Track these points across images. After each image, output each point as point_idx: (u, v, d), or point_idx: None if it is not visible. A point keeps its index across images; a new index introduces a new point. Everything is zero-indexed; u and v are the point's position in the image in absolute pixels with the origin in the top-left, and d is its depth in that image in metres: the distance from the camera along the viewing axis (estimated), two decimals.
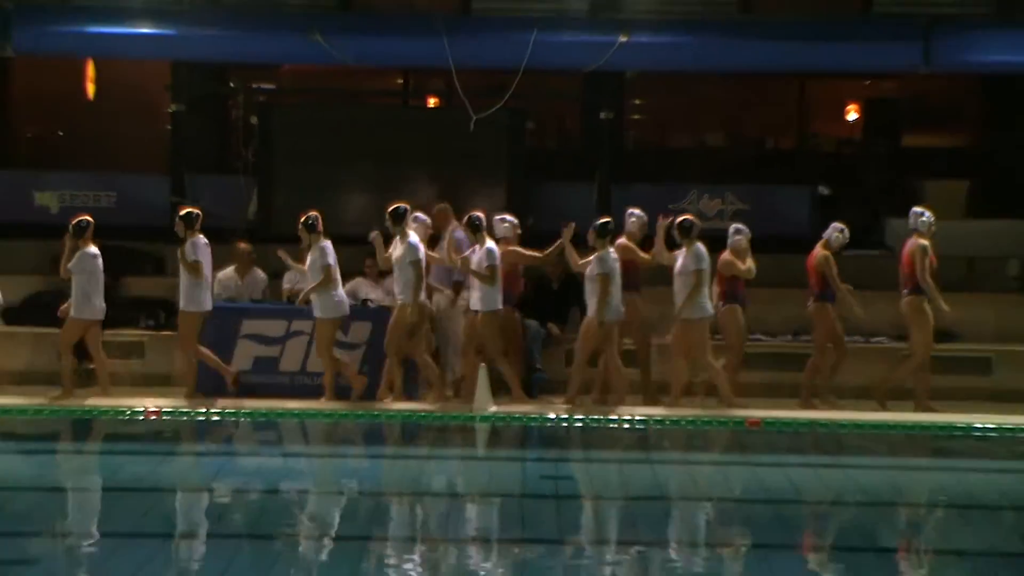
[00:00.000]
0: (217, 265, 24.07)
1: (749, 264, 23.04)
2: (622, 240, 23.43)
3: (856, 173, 29.20)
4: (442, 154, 26.66)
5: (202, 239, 22.90)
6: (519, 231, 23.85)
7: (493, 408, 22.17)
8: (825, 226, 24.09)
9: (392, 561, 15.51)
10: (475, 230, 22.80)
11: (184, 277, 22.77)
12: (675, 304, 22.57)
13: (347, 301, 23.25)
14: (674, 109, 31.69)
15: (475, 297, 22.87)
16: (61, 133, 31.22)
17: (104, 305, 23.31)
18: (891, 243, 25.99)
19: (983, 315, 23.47)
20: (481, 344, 23.04)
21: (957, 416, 22.38)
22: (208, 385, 23.05)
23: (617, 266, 22.46)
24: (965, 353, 23.80)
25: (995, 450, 21.89)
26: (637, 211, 23.95)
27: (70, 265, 22.95)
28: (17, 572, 14.27)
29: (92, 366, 23.68)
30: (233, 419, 22.74)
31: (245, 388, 23.03)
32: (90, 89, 30.45)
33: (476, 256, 22.82)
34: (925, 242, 22.92)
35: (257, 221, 26.02)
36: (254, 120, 28.36)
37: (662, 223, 23.10)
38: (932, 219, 23.33)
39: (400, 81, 30.71)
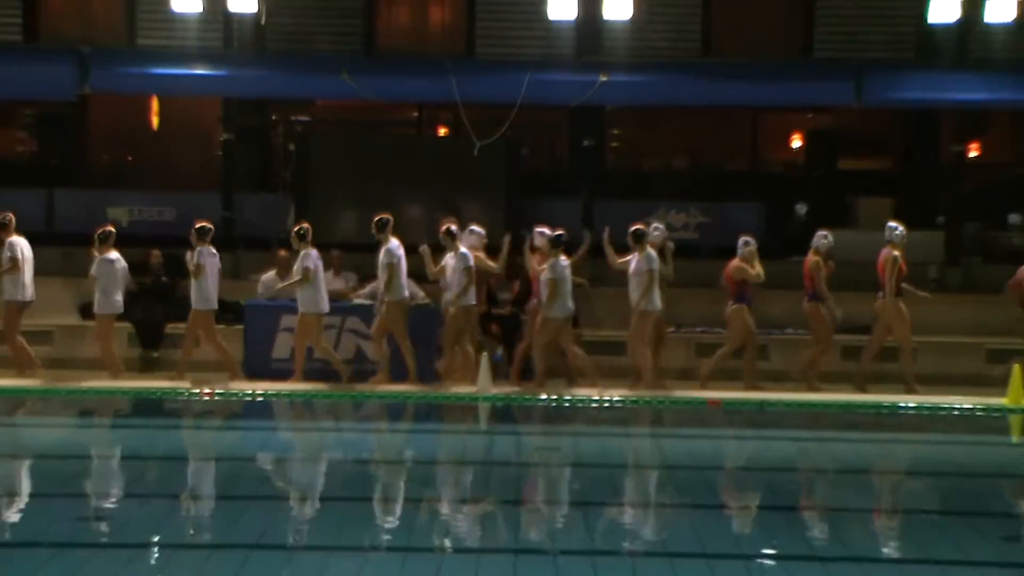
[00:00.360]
0: (259, 269, 24.66)
1: (758, 269, 23.05)
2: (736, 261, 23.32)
3: (799, 192, 29.15)
4: (450, 176, 26.79)
5: (211, 249, 22.91)
6: (485, 241, 23.71)
7: (493, 390, 22.15)
8: (774, 236, 24.66)
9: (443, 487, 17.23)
10: (452, 238, 22.73)
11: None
12: (631, 300, 22.48)
13: (327, 300, 23.15)
14: (646, 137, 31.48)
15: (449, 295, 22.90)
16: (130, 158, 31.03)
17: (121, 300, 23.23)
18: (845, 248, 25.57)
19: (909, 311, 23.65)
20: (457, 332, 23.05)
21: (884, 397, 22.63)
22: (252, 370, 23.26)
23: (567, 272, 22.46)
24: (892, 343, 23.61)
25: (916, 424, 22.06)
26: (661, 225, 24.17)
27: (92, 270, 23.00)
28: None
29: (156, 355, 23.87)
30: (273, 398, 22.69)
31: (284, 372, 23.07)
32: (154, 121, 30.58)
33: (452, 260, 22.75)
34: (897, 253, 23.06)
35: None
36: (292, 147, 28.73)
37: (606, 236, 23.15)
38: (904, 232, 23.43)
39: (415, 114, 30.47)
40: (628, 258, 22.52)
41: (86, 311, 24.55)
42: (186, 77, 27.48)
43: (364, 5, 29.15)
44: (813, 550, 14.02)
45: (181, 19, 26.76)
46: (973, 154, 30.28)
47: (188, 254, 22.88)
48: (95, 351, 23.84)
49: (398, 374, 23.14)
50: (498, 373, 23.05)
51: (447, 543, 14.37)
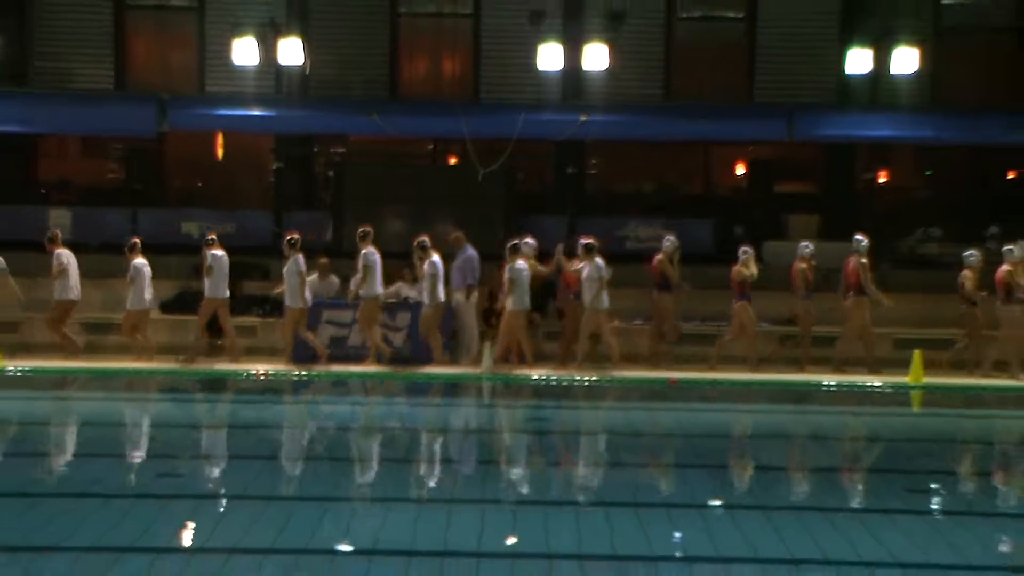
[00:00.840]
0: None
1: (753, 270, 22.89)
2: (660, 256, 23.39)
3: (743, 210, 28.88)
4: (459, 197, 26.43)
5: (301, 257, 22.74)
6: (537, 250, 23.50)
7: (495, 371, 22.18)
8: (726, 247, 24.94)
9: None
10: (423, 250, 22.63)
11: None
12: (584, 300, 22.38)
13: (311, 299, 23.09)
14: (618, 166, 31.06)
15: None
16: (199, 183, 31.07)
17: (149, 297, 23.14)
18: (767, 259, 25.83)
19: (831, 305, 23.61)
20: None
21: (812, 376, 22.63)
22: (301, 356, 23.01)
23: (524, 275, 22.32)
24: (822, 334, 23.64)
25: (837, 399, 21.92)
26: (672, 236, 23.85)
27: (129, 274, 22.89)
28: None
29: (220, 342, 23.58)
30: (317, 379, 22.58)
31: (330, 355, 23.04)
32: (219, 153, 30.70)
33: (427, 267, 22.60)
34: (864, 260, 23.09)
35: (332, 243, 25.96)
36: (331, 174, 29.01)
37: (558, 248, 23.27)
38: (867, 242, 23.37)
39: (430, 147, 30.25)
40: (581, 265, 22.50)
41: (164, 307, 24.64)
42: (245, 117, 27.61)
43: (389, 58, 29.33)
44: (728, 500, 14.06)
45: (241, 70, 27.07)
46: (882, 180, 30.56)
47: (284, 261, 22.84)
48: (166, 337, 23.88)
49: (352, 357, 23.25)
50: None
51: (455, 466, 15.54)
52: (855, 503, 14.50)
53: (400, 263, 24.02)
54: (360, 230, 23.06)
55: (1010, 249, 22.78)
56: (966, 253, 23.31)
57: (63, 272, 23.07)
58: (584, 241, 22.91)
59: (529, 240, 23.57)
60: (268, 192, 28.96)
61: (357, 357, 23.28)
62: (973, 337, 23.09)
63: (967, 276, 22.91)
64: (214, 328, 23.52)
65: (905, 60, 26.26)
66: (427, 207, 25.82)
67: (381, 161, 29.45)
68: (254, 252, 25.19)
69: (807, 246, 23.58)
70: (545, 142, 28.05)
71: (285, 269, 22.72)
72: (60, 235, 23.62)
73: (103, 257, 24.91)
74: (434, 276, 22.61)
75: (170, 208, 28.39)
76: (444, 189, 27.26)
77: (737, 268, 23.11)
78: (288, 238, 22.92)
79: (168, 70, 29.70)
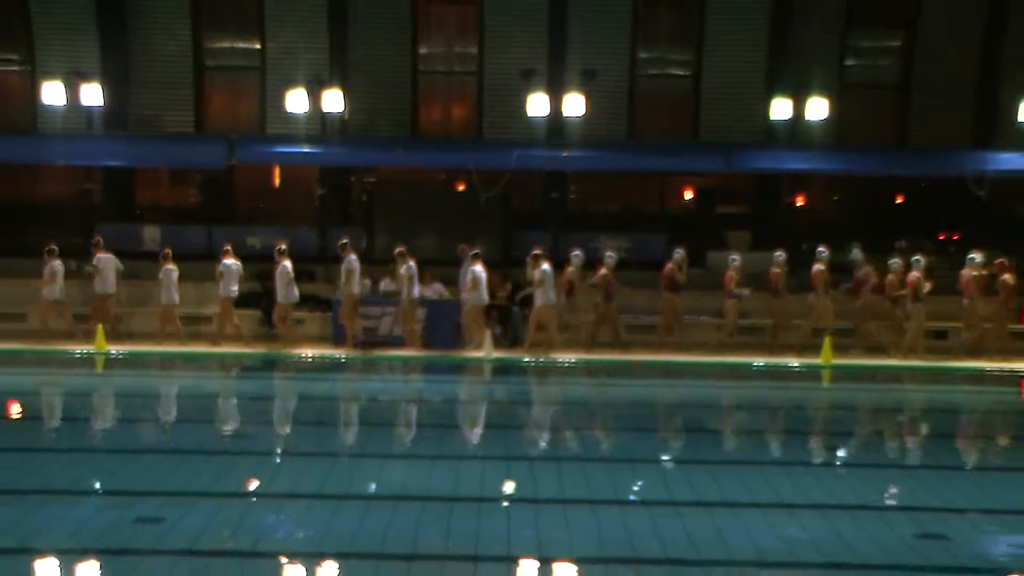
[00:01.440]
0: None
1: (682, 274, 23.26)
2: (671, 264, 23.48)
3: (692, 227, 28.48)
4: (465, 216, 26.50)
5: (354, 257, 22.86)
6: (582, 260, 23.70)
7: (495, 354, 22.21)
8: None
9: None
10: (403, 257, 22.51)
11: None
12: (535, 299, 22.43)
13: (296, 294, 22.99)
14: (592, 191, 30.90)
15: (465, 294, 22.89)
16: (260, 205, 30.86)
17: (177, 296, 23.15)
18: (710, 266, 26.09)
19: (761, 303, 24.03)
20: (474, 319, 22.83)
21: (737, 358, 22.60)
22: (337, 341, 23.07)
23: (483, 276, 22.28)
24: (756, 324, 24.13)
25: (761, 375, 21.73)
26: (681, 249, 23.77)
27: (159, 275, 23.08)
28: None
29: (276, 331, 23.58)
30: (347, 360, 22.47)
31: (360, 341, 22.95)
32: (275, 181, 30.67)
33: (403, 270, 22.55)
34: (823, 267, 23.25)
35: (365, 253, 25.46)
36: (364, 197, 28.83)
37: (529, 259, 23.01)
38: (828, 253, 23.49)
39: (443, 176, 30.03)
40: (536, 271, 22.42)
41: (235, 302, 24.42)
42: (296, 153, 27.55)
43: (411, 106, 29.28)
44: (644, 457, 14.10)
45: (293, 115, 26.96)
46: (800, 203, 30.57)
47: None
48: (247, 328, 23.86)
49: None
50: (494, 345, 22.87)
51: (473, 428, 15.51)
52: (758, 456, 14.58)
53: (423, 268, 23.72)
54: (340, 242, 23.31)
55: (918, 259, 23.02)
56: (891, 261, 23.52)
57: (100, 271, 23.18)
58: (534, 252, 22.91)
59: (577, 252, 23.81)
60: (314, 212, 28.94)
61: (384, 343, 23.22)
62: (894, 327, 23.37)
63: (892, 281, 23.23)
64: (271, 319, 23.64)
65: (817, 108, 26.49)
66: (440, 224, 25.93)
67: (404, 187, 29.27)
68: (303, 260, 24.93)
69: (781, 255, 23.70)
70: (534, 172, 28.02)
71: (277, 272, 22.82)
72: (101, 241, 23.69)
73: (187, 264, 24.67)
74: (410, 278, 22.50)
75: (237, 225, 28.26)
76: (454, 209, 27.29)
77: (730, 274, 23.36)
78: (277, 248, 23.00)
79: (236, 116, 29.67)
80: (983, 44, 28.58)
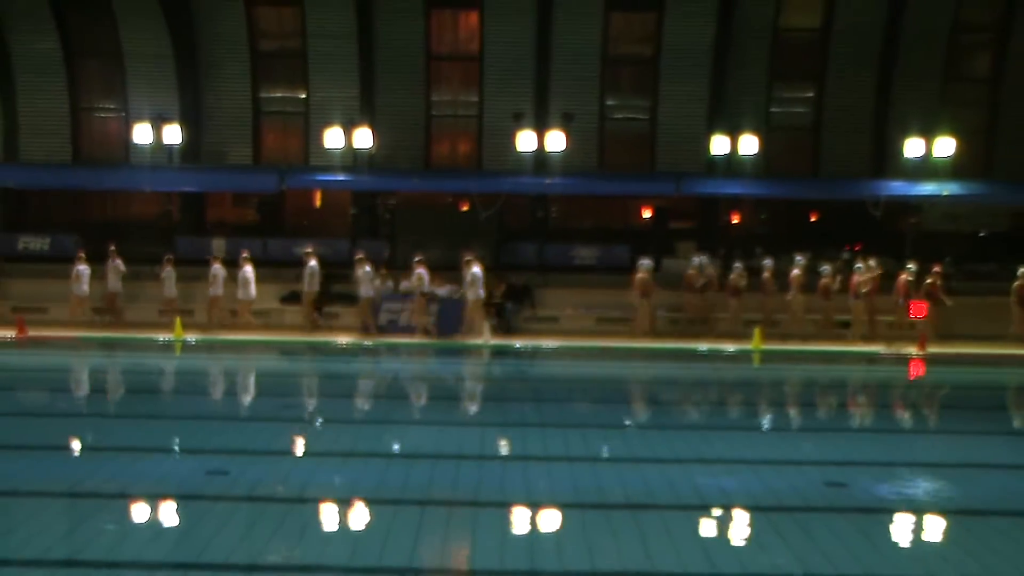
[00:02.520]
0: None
1: (650, 285, 23.20)
2: (691, 271, 23.68)
3: (649, 239, 27.96)
4: (468, 231, 26.14)
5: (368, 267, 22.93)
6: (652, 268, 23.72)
7: (492, 341, 22.21)
8: (633, 262, 24.54)
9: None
10: (361, 263, 22.71)
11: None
12: (468, 295, 22.36)
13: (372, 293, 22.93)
14: (569, 211, 30.62)
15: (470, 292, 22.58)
16: (305, 222, 30.60)
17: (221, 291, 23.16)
18: (664, 268, 25.72)
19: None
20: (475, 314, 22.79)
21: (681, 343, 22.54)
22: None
23: (480, 276, 22.22)
24: (692, 316, 23.97)
25: (701, 358, 21.47)
26: (703, 257, 24.03)
27: (210, 275, 23.15)
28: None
29: (321, 323, 23.59)
30: (375, 346, 22.42)
31: (387, 330, 23.10)
32: (317, 202, 30.69)
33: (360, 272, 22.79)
34: (799, 272, 23.17)
35: (389, 259, 25.74)
36: (388, 216, 28.75)
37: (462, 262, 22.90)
38: (804, 260, 23.42)
39: (450, 199, 29.72)
40: (467, 273, 22.39)
41: (284, 299, 24.59)
42: (333, 180, 27.78)
43: (424, 143, 29.41)
44: (604, 421, 14.12)
45: (331, 150, 26.99)
46: (734, 220, 30.52)
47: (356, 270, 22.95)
48: (288, 319, 23.94)
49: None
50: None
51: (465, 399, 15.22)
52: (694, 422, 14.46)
53: (434, 274, 23.65)
54: (357, 256, 23.40)
55: (859, 267, 23.03)
56: (821, 268, 23.46)
57: (168, 278, 23.40)
58: (465, 257, 22.78)
59: (646, 260, 23.66)
60: (347, 227, 28.82)
61: (404, 331, 23.15)
62: (857, 320, 23.13)
63: (826, 283, 23.15)
64: (319, 311, 23.67)
65: (748, 145, 26.61)
66: (448, 237, 25.63)
67: (419, 208, 29.12)
68: (338, 266, 24.98)
69: (739, 266, 23.67)
70: (523, 196, 27.96)
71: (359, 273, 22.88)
72: (172, 257, 23.87)
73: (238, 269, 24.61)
74: (421, 280, 22.65)
75: (287, 238, 28.14)
76: (459, 225, 27.08)
77: (641, 276, 23.21)
78: (357, 256, 23.13)
79: (285, 151, 29.66)
80: (876, 95, 28.79)
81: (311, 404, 16.05)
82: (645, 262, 23.52)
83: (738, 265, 23.79)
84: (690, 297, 23.76)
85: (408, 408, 15.57)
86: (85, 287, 23.34)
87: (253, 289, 23.27)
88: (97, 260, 23.91)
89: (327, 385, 18.41)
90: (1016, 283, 22.81)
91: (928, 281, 23.10)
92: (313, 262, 23.03)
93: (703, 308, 23.67)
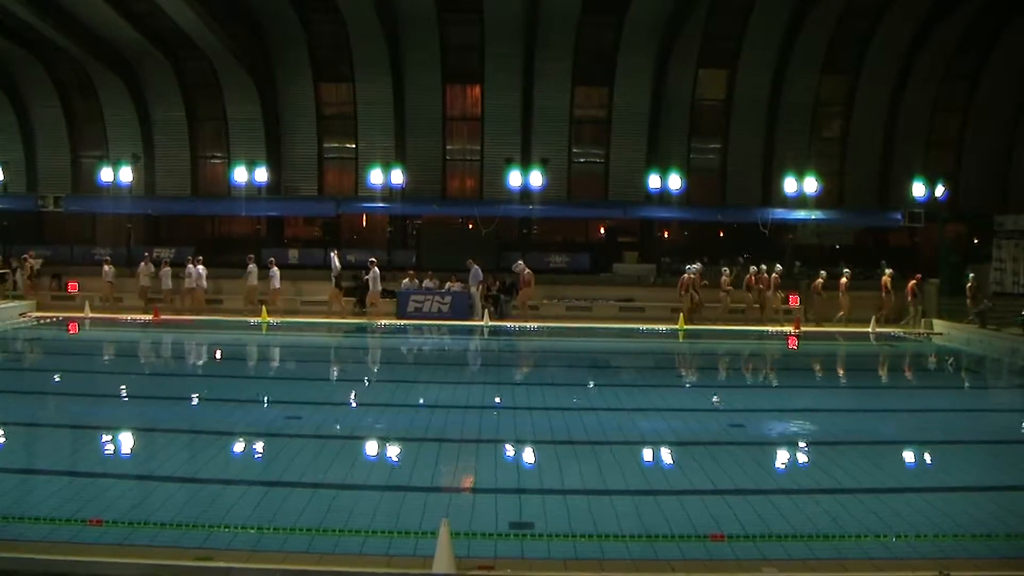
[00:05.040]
0: (402, 277, 23.33)
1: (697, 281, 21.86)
2: (689, 277, 21.80)
3: (604, 249, 27.60)
4: (472, 244, 25.01)
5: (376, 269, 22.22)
6: (700, 270, 22.09)
7: (490, 323, 21.47)
8: (595, 265, 24.30)
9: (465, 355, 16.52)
10: (371, 263, 22.14)
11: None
12: (372, 287, 21.69)
13: (380, 288, 22.05)
14: (546, 229, 29.26)
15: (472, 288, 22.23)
16: (355, 236, 29.39)
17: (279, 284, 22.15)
18: (618, 273, 25.50)
19: (648, 294, 24.14)
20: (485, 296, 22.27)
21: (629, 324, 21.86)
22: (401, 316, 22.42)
23: (480, 275, 21.93)
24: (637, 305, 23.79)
25: (642, 335, 20.55)
26: (697, 264, 22.43)
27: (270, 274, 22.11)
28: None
29: (365, 310, 22.73)
30: (403, 328, 21.87)
31: (414, 316, 22.24)
32: (364, 222, 30.10)
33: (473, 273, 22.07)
34: (775, 274, 21.99)
35: (416, 264, 24.96)
36: (414, 232, 28.31)
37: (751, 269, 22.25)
38: (764, 268, 22.12)
39: (460, 220, 28.27)
40: (371, 272, 21.96)
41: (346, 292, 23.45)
42: (375, 207, 27.27)
43: (441, 179, 28.89)
44: (571, 380, 14.06)
45: (373, 186, 26.41)
46: (665, 235, 30.01)
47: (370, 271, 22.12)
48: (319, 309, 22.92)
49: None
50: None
51: (470, 363, 14.88)
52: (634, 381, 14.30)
53: (446, 275, 23.26)
54: (370, 259, 22.75)
55: (778, 267, 22.38)
56: (752, 268, 22.40)
57: (249, 275, 22.45)
58: (369, 259, 22.55)
59: (694, 265, 22.31)
60: (385, 241, 28.39)
61: (426, 316, 22.47)
62: (764, 307, 22.17)
63: (723, 279, 22.33)
64: (363, 303, 23.22)
65: (675, 181, 25.90)
66: (459, 248, 24.55)
67: (438, 227, 28.40)
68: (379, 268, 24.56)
69: (694, 265, 22.37)
70: (513, 218, 27.36)
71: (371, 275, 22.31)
72: (252, 259, 22.78)
73: (312, 270, 24.65)
74: (375, 279, 22.13)
75: (342, 249, 26.61)
76: (466, 240, 26.32)
77: (684, 278, 22.02)
78: (370, 259, 22.71)
79: (341, 186, 29.16)
80: (764, 147, 28.65)
81: (357, 368, 15.91)
82: (690, 267, 22.32)
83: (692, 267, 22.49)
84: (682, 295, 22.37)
85: (429, 371, 15.41)
86: (197, 283, 22.66)
87: (278, 282, 22.46)
88: (209, 266, 23.67)
89: (369, 354, 18.24)
90: (883, 278, 22.26)
91: (807, 281, 22.91)
92: (376, 269, 22.48)
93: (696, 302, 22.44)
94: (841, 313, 22.06)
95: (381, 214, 28.44)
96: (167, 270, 23.14)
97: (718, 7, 27.02)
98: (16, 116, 29.43)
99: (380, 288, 22.68)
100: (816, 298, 22.63)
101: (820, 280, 22.71)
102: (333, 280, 22.60)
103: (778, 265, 22.86)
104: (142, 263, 23.49)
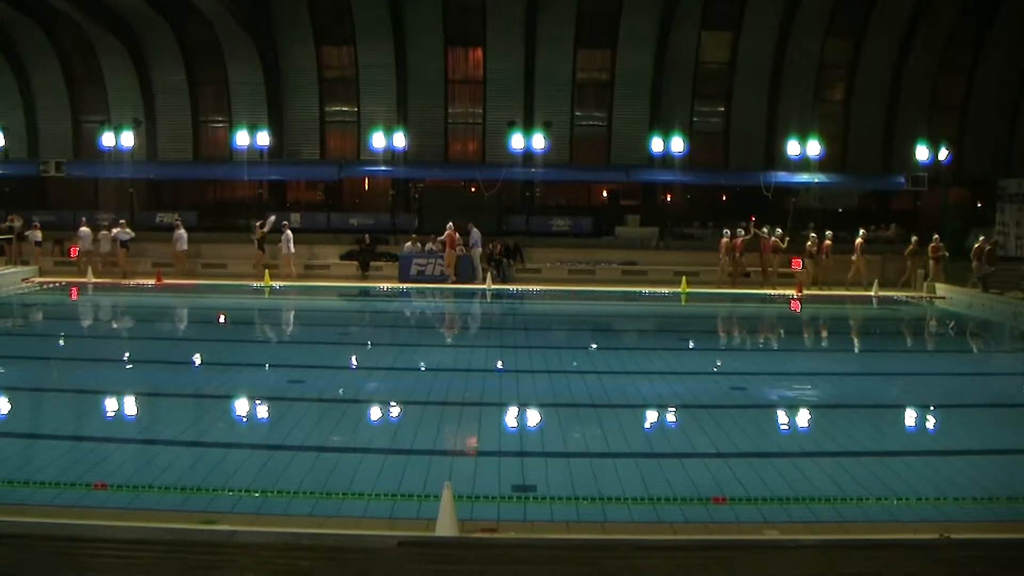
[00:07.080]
0: (404, 241, 23.58)
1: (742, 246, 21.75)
2: (729, 242, 21.66)
3: (606, 213, 27.75)
4: (476, 207, 25.45)
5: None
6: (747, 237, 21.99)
7: (493, 285, 21.70)
8: (597, 229, 24.34)
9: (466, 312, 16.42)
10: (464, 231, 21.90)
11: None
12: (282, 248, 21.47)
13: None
14: (549, 193, 29.22)
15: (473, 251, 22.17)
16: (357, 200, 29.52)
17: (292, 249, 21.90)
18: (620, 236, 25.62)
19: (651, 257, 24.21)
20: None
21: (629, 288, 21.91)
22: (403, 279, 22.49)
23: (479, 237, 21.83)
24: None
25: (641, 299, 20.68)
26: (741, 228, 22.05)
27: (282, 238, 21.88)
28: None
29: (366, 273, 22.85)
30: (407, 291, 21.86)
31: (415, 280, 22.34)
32: (366, 186, 29.72)
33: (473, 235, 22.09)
34: (774, 239, 21.97)
35: (418, 228, 25.02)
36: (416, 196, 28.19)
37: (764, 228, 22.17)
38: (829, 234, 21.83)
39: (462, 184, 27.95)
40: (284, 236, 21.80)
41: (342, 257, 23.75)
42: (378, 171, 27.12)
43: (444, 142, 28.82)
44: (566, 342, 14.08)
45: (375, 151, 26.44)
46: (668, 199, 29.66)
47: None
48: (341, 271, 23.09)
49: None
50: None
51: (473, 327, 14.84)
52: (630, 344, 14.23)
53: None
54: (282, 222, 22.41)
55: (778, 230, 22.30)
56: (724, 230, 22.32)
57: (256, 241, 22.19)
58: (283, 222, 22.34)
59: (740, 230, 22.02)
60: (388, 204, 28.36)
61: (429, 280, 22.54)
62: (765, 271, 22.14)
63: (724, 245, 22.14)
64: (367, 265, 23.20)
65: (677, 145, 25.97)
66: (461, 212, 24.58)
67: (440, 191, 28.39)
68: (381, 232, 24.95)
69: (739, 231, 22.04)
70: (515, 182, 27.36)
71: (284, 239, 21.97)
72: (258, 224, 22.33)
73: (311, 235, 24.54)
74: (288, 241, 21.79)
75: (343, 212, 27.79)
76: (468, 203, 26.42)
77: (723, 242, 21.87)
78: (283, 222, 22.42)
79: (343, 149, 28.98)
80: (767, 110, 28.39)
81: (360, 331, 15.87)
82: (728, 231, 22.11)
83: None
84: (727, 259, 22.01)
85: (432, 334, 15.41)
86: (184, 246, 22.43)
87: (292, 246, 22.30)
88: (215, 231, 23.52)
89: (372, 317, 18.21)
90: (857, 240, 22.08)
91: (807, 244, 22.67)
92: (288, 232, 21.92)
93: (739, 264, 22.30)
94: (851, 275, 21.71)
95: (383, 178, 28.29)
96: (289, 236, 22.32)
97: None
98: (16, 81, 29.12)
99: (293, 250, 22.15)
100: (824, 260, 22.26)
101: (828, 243, 22.32)
102: (255, 242, 22.09)
103: (778, 229, 22.70)
104: (176, 229, 22.69)
